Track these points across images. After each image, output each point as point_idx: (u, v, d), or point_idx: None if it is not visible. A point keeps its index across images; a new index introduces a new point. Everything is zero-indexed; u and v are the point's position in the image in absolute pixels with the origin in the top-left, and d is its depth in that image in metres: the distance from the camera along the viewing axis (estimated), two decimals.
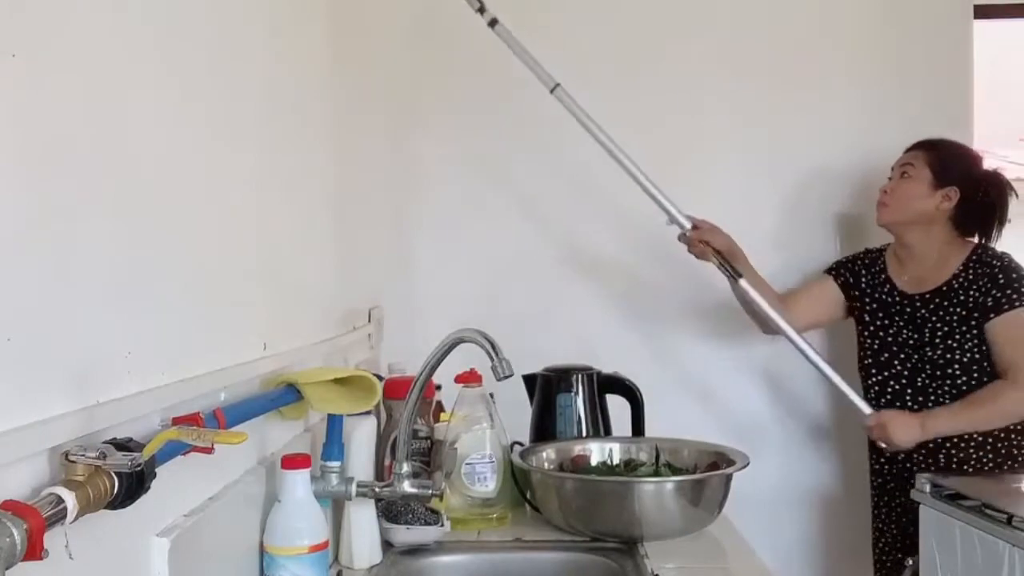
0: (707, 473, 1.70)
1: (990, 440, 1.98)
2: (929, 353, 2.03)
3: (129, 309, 0.89)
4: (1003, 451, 1.98)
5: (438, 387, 1.90)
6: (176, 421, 0.93)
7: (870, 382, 2.12)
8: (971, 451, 1.99)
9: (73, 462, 0.74)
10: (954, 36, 2.42)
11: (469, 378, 1.77)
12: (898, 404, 2.05)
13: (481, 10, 1.99)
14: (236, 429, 1.03)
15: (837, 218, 2.32)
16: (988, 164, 2.14)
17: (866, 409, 2.02)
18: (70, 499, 0.71)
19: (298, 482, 1.25)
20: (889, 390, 2.08)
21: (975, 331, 1.98)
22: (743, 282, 2.04)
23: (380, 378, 1.48)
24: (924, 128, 2.14)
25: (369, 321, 2.04)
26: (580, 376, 1.99)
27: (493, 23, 2.00)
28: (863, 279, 2.16)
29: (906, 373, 2.06)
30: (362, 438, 1.51)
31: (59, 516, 0.69)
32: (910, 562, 1.88)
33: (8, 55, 0.70)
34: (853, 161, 2.24)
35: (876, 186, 2.15)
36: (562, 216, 2.46)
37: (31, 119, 0.73)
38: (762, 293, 2.05)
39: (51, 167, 0.76)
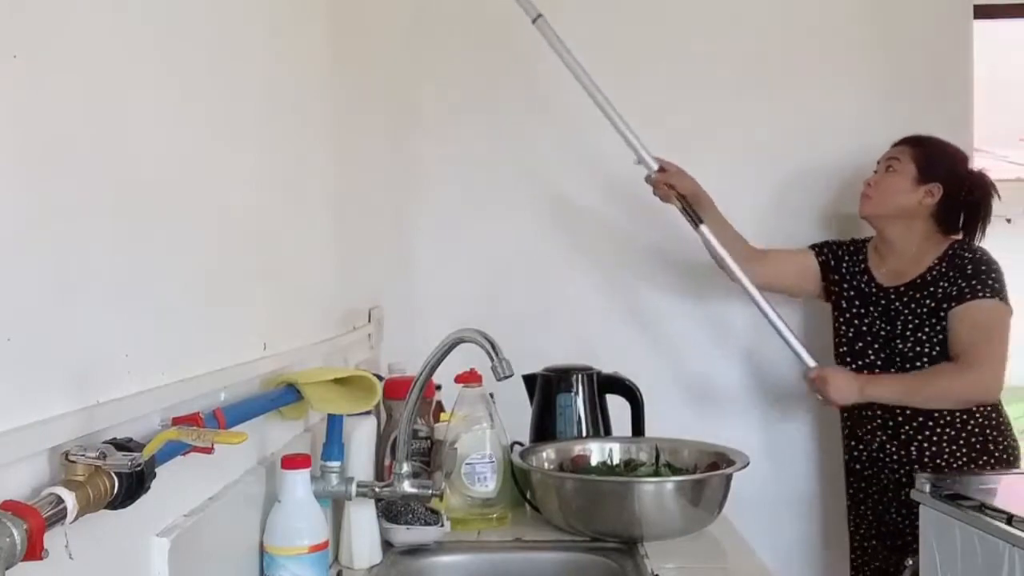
0: (707, 473, 1.70)
1: (963, 434, 1.99)
2: (899, 345, 2.04)
3: (129, 309, 0.89)
4: (978, 446, 1.99)
5: (438, 387, 1.90)
6: (176, 421, 0.93)
7: None
8: (944, 444, 1.99)
9: (73, 462, 0.74)
10: (954, 36, 2.42)
11: (469, 378, 1.77)
12: None
13: None
14: (236, 429, 1.03)
15: (838, 218, 2.32)
16: (974, 164, 2.15)
17: (810, 361, 2.05)
18: (70, 499, 0.71)
19: (298, 482, 1.25)
20: None
21: (943, 323, 1.99)
22: (703, 228, 2.07)
23: (380, 378, 1.48)
24: (924, 128, 2.14)
25: (369, 321, 2.04)
26: (580, 376, 1.99)
27: None
28: (844, 265, 2.18)
29: (879, 364, 2.08)
30: (362, 438, 1.51)
31: (59, 516, 0.69)
32: (910, 562, 1.88)
33: (9, 56, 0.70)
34: (853, 161, 2.24)
35: None
36: (562, 216, 2.46)
37: (32, 119, 0.73)
38: (726, 241, 2.09)
39: (51, 167, 0.76)
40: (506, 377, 1.33)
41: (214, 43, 1.15)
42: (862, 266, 2.15)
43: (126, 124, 0.89)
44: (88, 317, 0.81)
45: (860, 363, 2.11)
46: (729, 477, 1.66)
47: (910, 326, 2.03)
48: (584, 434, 1.96)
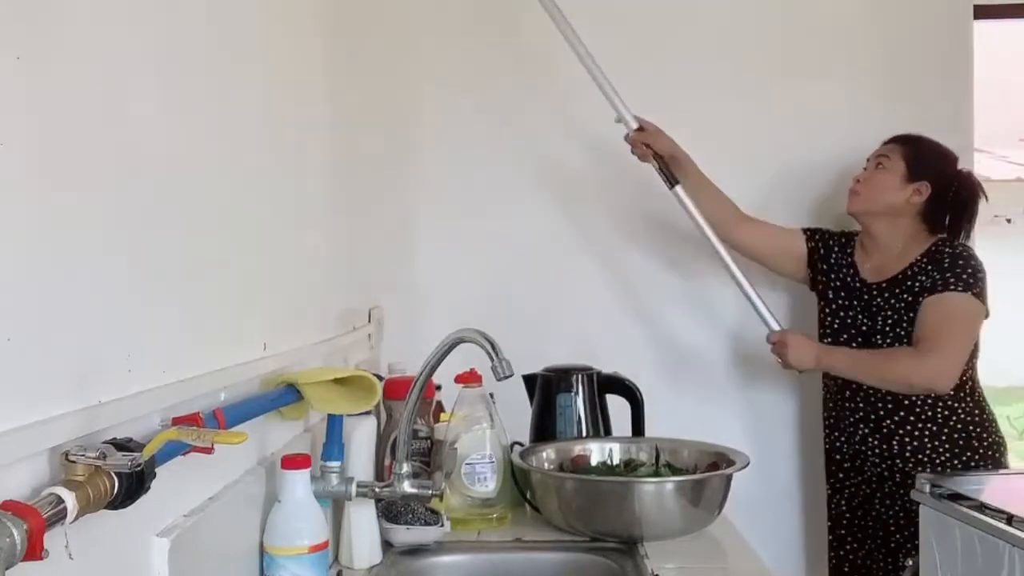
0: (707, 473, 1.70)
1: (945, 430, 1.99)
2: (879, 341, 2.05)
3: (129, 309, 0.89)
4: (961, 442, 1.99)
5: (438, 387, 1.90)
6: (176, 421, 0.93)
7: None
8: (926, 439, 2.00)
9: (73, 462, 0.74)
10: (954, 36, 2.42)
11: (469, 378, 1.77)
12: (853, 386, 2.07)
13: None
14: (236, 429, 1.03)
15: (838, 219, 2.31)
16: (974, 164, 2.16)
17: (775, 325, 2.08)
18: (70, 499, 0.71)
19: (298, 482, 1.25)
20: None
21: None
22: (678, 189, 2.10)
23: (380, 378, 1.48)
24: (924, 127, 2.14)
25: (369, 321, 2.04)
26: (580, 376, 1.99)
27: None
28: (833, 256, 2.18)
29: None
30: (362, 438, 1.51)
31: (59, 516, 0.70)
32: (910, 562, 1.88)
33: (13, 57, 0.70)
34: (853, 160, 2.24)
35: None
36: (563, 216, 2.46)
37: (33, 121, 0.73)
38: (710, 201, 2.13)
39: (52, 168, 0.76)
40: (506, 377, 1.33)
41: (214, 43, 1.15)
42: (849, 259, 2.16)
43: (127, 124, 0.89)
44: (88, 317, 0.81)
45: None
46: (729, 477, 1.66)
47: (889, 322, 2.04)
48: (584, 434, 1.96)
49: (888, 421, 2.03)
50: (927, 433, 2.00)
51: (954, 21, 2.42)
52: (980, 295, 1.96)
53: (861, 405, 2.06)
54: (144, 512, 0.85)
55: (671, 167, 2.12)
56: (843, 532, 2.14)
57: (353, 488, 1.39)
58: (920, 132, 2.12)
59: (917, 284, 2.00)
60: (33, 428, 0.71)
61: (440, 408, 1.90)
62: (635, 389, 2.02)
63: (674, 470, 1.79)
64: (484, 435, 1.73)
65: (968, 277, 1.96)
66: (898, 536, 2.03)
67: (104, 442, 0.78)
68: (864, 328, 2.08)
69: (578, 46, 2.06)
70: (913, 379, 1.95)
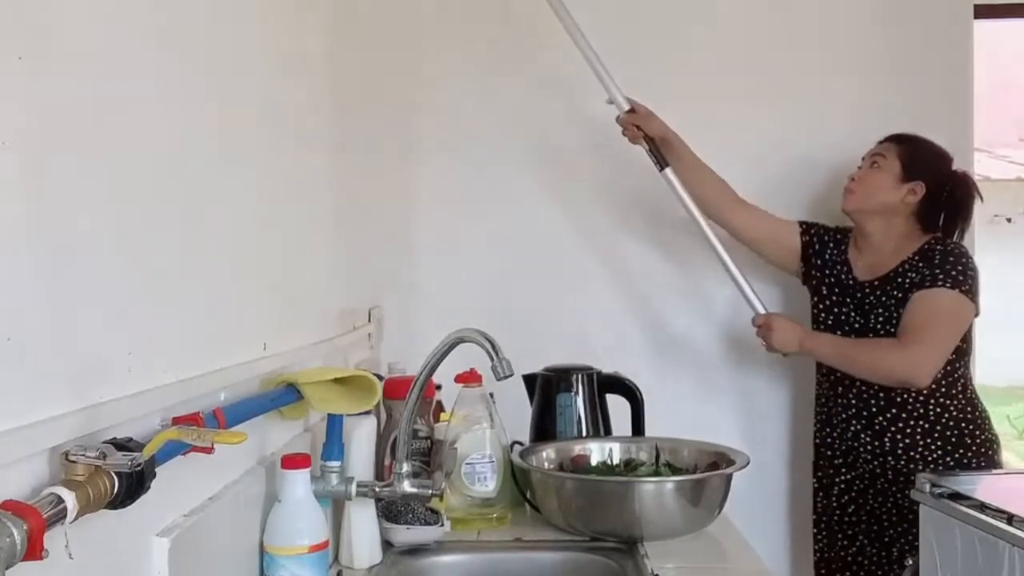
0: (707, 473, 1.70)
1: (938, 427, 1.99)
2: (872, 338, 2.06)
3: (129, 309, 0.89)
4: (953, 439, 1.99)
5: (438, 387, 1.90)
6: (176, 421, 0.93)
7: None
8: (918, 437, 2.00)
9: (73, 462, 0.74)
10: (954, 36, 2.42)
11: (469, 378, 1.77)
12: (847, 383, 2.07)
13: None
14: (236, 429, 1.03)
15: (837, 219, 2.31)
16: (973, 165, 2.16)
17: (760, 308, 2.10)
18: (70, 499, 0.71)
19: (298, 482, 1.25)
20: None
21: None
22: (667, 172, 2.11)
23: (380, 378, 1.48)
24: (924, 127, 2.14)
25: (369, 321, 2.04)
26: (580, 376, 1.99)
27: None
28: (827, 252, 2.18)
29: None
30: (362, 438, 1.51)
31: (59, 516, 0.70)
32: (910, 562, 1.88)
33: (15, 57, 0.70)
34: (853, 160, 2.24)
35: None
36: (563, 216, 2.46)
37: (34, 121, 0.73)
38: (705, 184, 2.15)
39: (53, 168, 0.76)
40: (506, 377, 1.33)
41: (215, 43, 1.15)
42: (843, 256, 2.17)
43: (127, 124, 0.89)
44: (88, 317, 0.81)
45: None
46: (729, 477, 1.66)
47: (881, 319, 2.04)
48: (584, 434, 1.96)
49: (881, 418, 2.03)
50: (919, 430, 2.00)
51: (954, 21, 2.42)
52: (969, 293, 1.96)
53: (854, 401, 2.07)
54: (144, 512, 0.85)
55: (662, 150, 2.13)
56: (835, 527, 2.14)
57: (353, 488, 1.39)
58: (920, 132, 2.12)
59: (908, 281, 2.01)
60: (33, 428, 0.71)
61: (440, 408, 1.90)
62: (635, 389, 2.02)
63: (674, 470, 1.79)
64: (484, 435, 1.73)
65: (958, 275, 1.96)
66: (891, 532, 2.03)
67: (104, 442, 0.78)
68: (857, 326, 2.09)
69: (569, 22, 2.06)
70: (891, 370, 1.96)
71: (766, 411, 2.44)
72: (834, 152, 2.37)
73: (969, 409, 2.02)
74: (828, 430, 2.15)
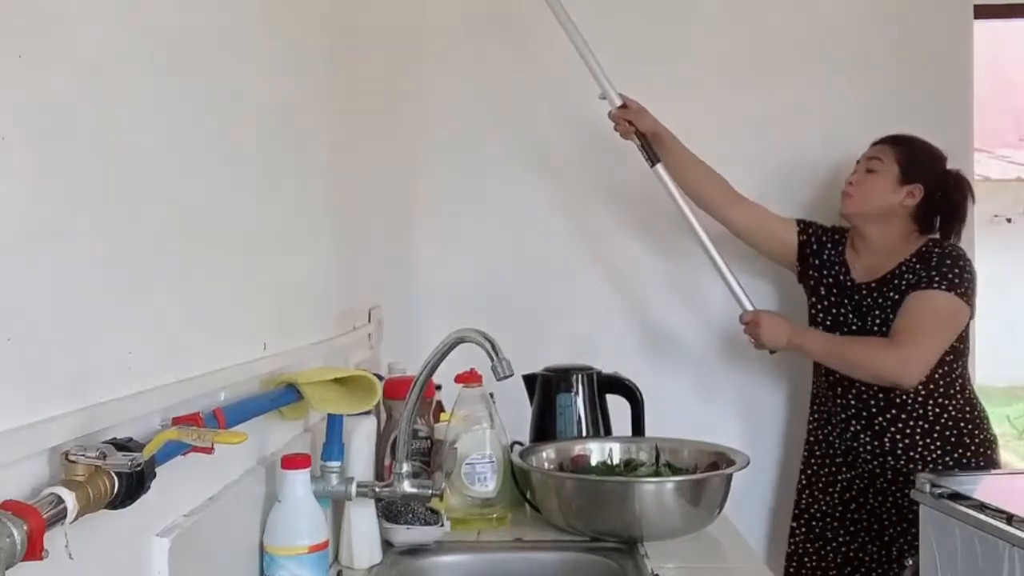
0: (707, 473, 1.70)
1: (937, 427, 2.00)
2: None
3: (129, 309, 0.89)
4: (952, 439, 2.00)
5: (438, 387, 1.90)
6: (176, 421, 0.93)
7: None
8: (917, 437, 2.00)
9: (73, 462, 0.74)
10: (954, 36, 2.42)
11: (469, 378, 1.77)
12: (846, 383, 2.07)
13: None
14: (236, 429, 1.03)
15: (836, 219, 2.31)
16: (972, 165, 2.16)
17: (748, 305, 2.10)
18: (70, 499, 0.71)
19: (298, 482, 1.25)
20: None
21: None
22: (658, 168, 2.11)
23: (380, 378, 1.48)
24: (924, 128, 2.14)
25: (369, 321, 2.04)
26: (580, 376, 1.99)
27: None
28: (825, 253, 2.18)
29: None
30: (362, 438, 1.51)
31: (59, 516, 0.70)
32: (910, 562, 1.88)
33: (15, 55, 0.70)
34: (852, 160, 2.24)
35: None
36: (563, 216, 2.46)
37: (35, 121, 0.73)
38: (701, 179, 2.14)
39: (53, 168, 0.76)
40: (506, 377, 1.33)
41: (215, 43, 1.15)
42: (841, 258, 2.17)
43: (126, 124, 0.90)
44: (88, 317, 0.81)
45: None
46: (729, 477, 1.66)
47: (878, 321, 2.04)
48: (584, 434, 1.96)
49: (880, 418, 2.03)
50: (919, 430, 2.00)
51: (954, 21, 2.42)
52: (965, 295, 1.96)
53: (853, 402, 2.07)
54: (144, 512, 0.85)
55: (654, 145, 2.13)
56: (835, 524, 2.14)
57: (353, 488, 1.39)
58: (920, 132, 2.12)
59: (905, 283, 2.01)
60: (33, 428, 0.71)
61: (440, 408, 1.90)
62: (635, 389, 2.02)
63: (674, 470, 1.79)
64: (484, 435, 1.73)
65: (954, 277, 1.96)
66: (891, 531, 2.04)
67: (104, 442, 0.78)
68: (854, 327, 2.09)
69: (563, 15, 2.06)
70: (881, 368, 1.96)
71: (766, 411, 2.45)
72: (833, 152, 2.37)
73: (968, 409, 2.02)
74: (828, 429, 2.15)
